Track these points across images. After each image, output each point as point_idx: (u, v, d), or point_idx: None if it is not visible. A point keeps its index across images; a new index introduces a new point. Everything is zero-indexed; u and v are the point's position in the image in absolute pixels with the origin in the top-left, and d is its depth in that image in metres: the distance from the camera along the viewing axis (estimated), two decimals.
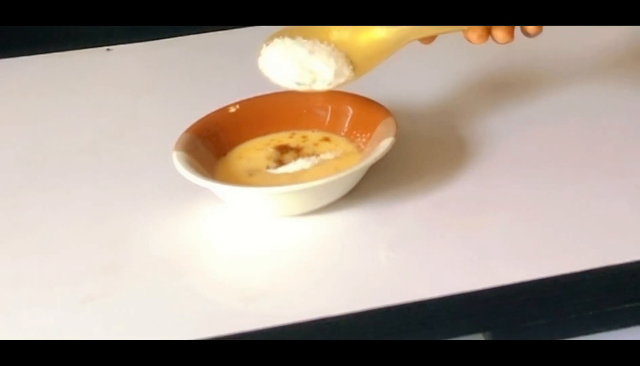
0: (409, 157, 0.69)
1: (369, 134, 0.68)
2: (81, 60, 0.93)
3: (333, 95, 0.71)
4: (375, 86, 0.70)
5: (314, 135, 0.70)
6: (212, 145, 0.68)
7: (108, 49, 0.94)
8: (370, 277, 0.58)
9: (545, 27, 0.66)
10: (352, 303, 0.56)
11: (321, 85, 0.65)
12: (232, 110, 0.71)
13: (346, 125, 0.70)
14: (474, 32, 0.64)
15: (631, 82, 0.79)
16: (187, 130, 0.68)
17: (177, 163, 0.64)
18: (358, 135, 0.69)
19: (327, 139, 0.70)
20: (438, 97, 0.78)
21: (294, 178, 0.65)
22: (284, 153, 0.69)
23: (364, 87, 0.70)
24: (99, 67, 0.92)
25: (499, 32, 0.64)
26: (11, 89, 0.89)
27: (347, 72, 0.66)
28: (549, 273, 0.57)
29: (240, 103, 0.71)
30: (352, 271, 0.59)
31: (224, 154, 0.69)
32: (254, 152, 0.69)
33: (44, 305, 0.58)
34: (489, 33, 0.64)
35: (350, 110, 0.70)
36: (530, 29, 0.65)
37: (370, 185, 0.66)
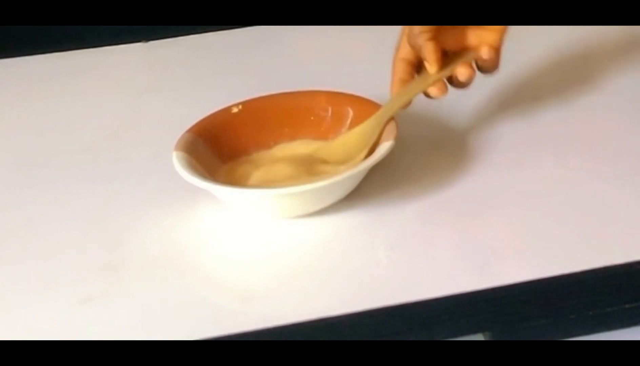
0: (409, 158, 0.69)
1: None
2: (81, 60, 0.93)
3: (334, 97, 0.71)
4: (376, 87, 0.70)
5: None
6: (213, 146, 0.68)
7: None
8: (370, 277, 0.58)
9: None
10: (352, 303, 0.56)
11: None
12: (235, 110, 0.71)
13: (347, 126, 0.70)
14: (435, 87, 0.66)
15: (633, 76, 0.79)
16: (188, 130, 0.68)
17: (177, 164, 0.64)
18: None
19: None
20: (438, 98, 0.78)
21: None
22: None
23: (365, 89, 0.70)
24: (99, 67, 0.92)
25: (461, 68, 0.66)
26: (11, 89, 0.90)
27: None
28: (549, 273, 0.57)
29: (242, 103, 0.71)
30: (352, 271, 0.59)
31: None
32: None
33: (44, 305, 0.58)
34: (446, 86, 0.67)
35: (351, 112, 0.70)
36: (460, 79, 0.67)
37: (371, 186, 0.66)
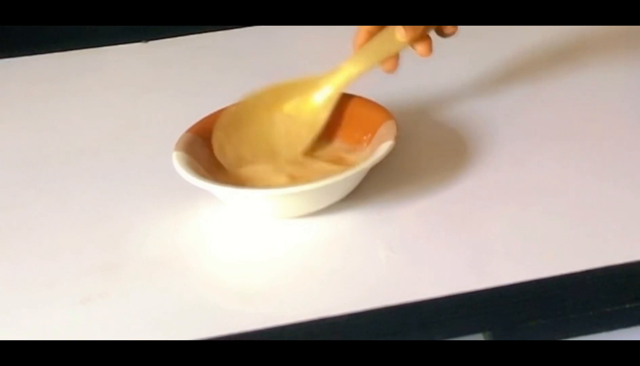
0: (410, 158, 0.69)
1: (370, 135, 0.68)
2: (81, 60, 0.93)
3: None
4: (377, 87, 0.70)
5: None
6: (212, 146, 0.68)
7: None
8: (370, 277, 0.58)
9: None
10: (352, 303, 0.56)
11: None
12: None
13: (347, 126, 0.70)
14: (389, 62, 0.68)
15: (634, 73, 0.79)
16: (188, 130, 0.68)
17: (177, 164, 0.64)
18: (359, 136, 0.69)
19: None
20: (439, 98, 0.78)
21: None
22: None
23: (365, 89, 0.70)
24: (99, 67, 0.92)
25: (420, 47, 0.67)
26: (11, 88, 0.89)
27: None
28: (549, 273, 0.57)
29: None
30: (352, 271, 0.59)
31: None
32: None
33: (44, 305, 0.58)
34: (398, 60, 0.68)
35: (351, 112, 0.70)
36: (448, 29, 0.68)
37: (371, 186, 0.66)
